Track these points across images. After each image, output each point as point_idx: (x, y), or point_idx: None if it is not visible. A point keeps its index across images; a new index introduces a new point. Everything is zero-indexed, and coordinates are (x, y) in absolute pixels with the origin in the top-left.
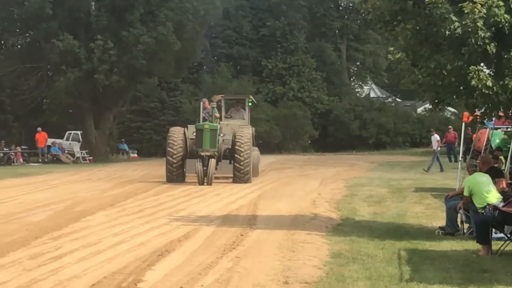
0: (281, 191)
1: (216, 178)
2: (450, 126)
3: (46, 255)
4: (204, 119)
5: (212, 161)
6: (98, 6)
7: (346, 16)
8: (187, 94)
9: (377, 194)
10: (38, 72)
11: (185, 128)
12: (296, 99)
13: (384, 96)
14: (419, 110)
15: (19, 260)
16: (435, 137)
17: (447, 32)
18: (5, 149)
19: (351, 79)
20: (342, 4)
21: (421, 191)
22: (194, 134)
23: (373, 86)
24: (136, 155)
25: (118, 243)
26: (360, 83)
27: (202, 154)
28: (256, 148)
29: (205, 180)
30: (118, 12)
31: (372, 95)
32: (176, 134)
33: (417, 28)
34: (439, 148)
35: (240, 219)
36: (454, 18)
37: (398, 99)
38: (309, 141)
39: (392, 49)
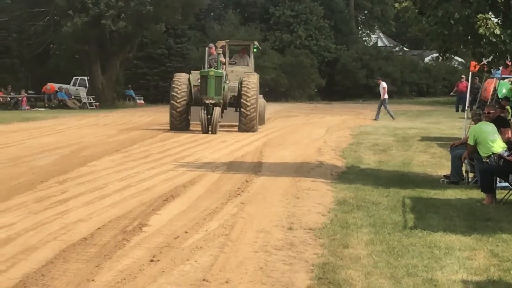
0: (286, 139)
1: (222, 126)
2: (463, 76)
3: (52, 198)
4: (210, 66)
5: (217, 109)
6: None
7: None
8: (194, 41)
9: (383, 143)
10: (45, 17)
11: (190, 74)
12: (303, 47)
13: (391, 45)
14: (427, 59)
15: (25, 203)
16: (382, 84)
17: None
18: (12, 93)
19: (359, 28)
20: None
21: (426, 140)
22: (199, 80)
23: (381, 35)
24: (142, 101)
25: (124, 187)
26: (368, 31)
27: (207, 101)
28: (261, 96)
29: (209, 129)
30: None
31: (379, 44)
32: (181, 80)
33: None
34: (386, 96)
35: (245, 166)
36: None
37: (405, 48)
38: (315, 90)
39: None
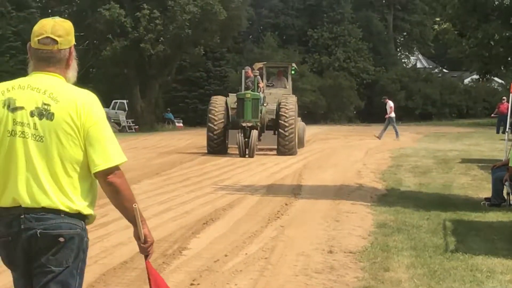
0: (326, 161)
1: (260, 149)
2: (504, 97)
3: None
4: (247, 88)
5: (254, 132)
6: None
7: None
8: (233, 63)
9: (423, 165)
10: (84, 41)
11: (227, 97)
12: (342, 69)
13: (430, 66)
14: (466, 81)
15: None
16: (389, 103)
17: (495, 2)
18: None
19: (398, 50)
20: None
21: (467, 162)
22: (236, 103)
23: (420, 56)
24: (181, 124)
25: (164, 211)
26: (407, 53)
27: (244, 124)
28: (300, 118)
29: (246, 152)
30: None
31: (418, 65)
32: (218, 102)
33: None
34: (393, 115)
35: (284, 189)
36: None
37: (445, 70)
38: (354, 112)
39: (438, 19)
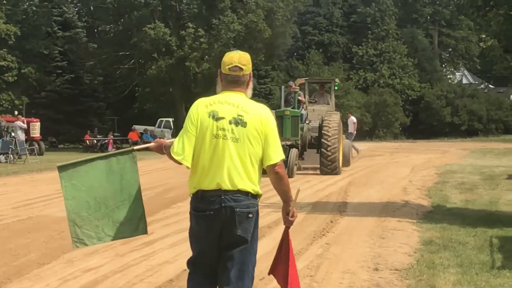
0: (371, 178)
1: (305, 169)
2: None
3: (138, 240)
4: (290, 104)
5: (294, 151)
6: None
7: (438, 2)
8: (278, 81)
9: (469, 181)
10: (130, 60)
11: None
12: (387, 86)
13: (476, 82)
14: None
15: (112, 246)
16: (352, 119)
17: None
18: (98, 136)
19: (443, 66)
20: None
21: None
22: None
23: (465, 72)
24: None
25: None
26: (452, 69)
27: (283, 143)
28: (345, 136)
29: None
30: (209, 0)
31: (464, 81)
32: None
33: (510, 13)
34: (354, 132)
35: (330, 206)
36: None
37: (491, 86)
38: (400, 128)
39: (484, 36)
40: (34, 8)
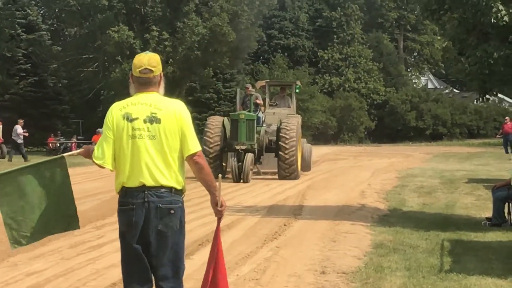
0: (331, 182)
1: (265, 173)
2: (506, 117)
3: (86, 244)
4: (247, 107)
5: (249, 156)
6: None
7: (403, 7)
8: (243, 84)
9: (428, 185)
10: (94, 63)
11: (225, 118)
12: (352, 90)
13: (441, 87)
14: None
15: (59, 249)
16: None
17: (493, 21)
18: (61, 139)
19: (408, 70)
20: None
21: (473, 182)
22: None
23: (431, 76)
24: None
25: None
26: (417, 74)
27: (237, 147)
28: (305, 140)
29: (241, 177)
30: (174, 3)
31: (429, 85)
32: (214, 123)
33: (464, 16)
34: (20, 140)
35: (285, 209)
36: (501, 6)
37: (455, 90)
38: (365, 132)
39: (439, 38)
40: None
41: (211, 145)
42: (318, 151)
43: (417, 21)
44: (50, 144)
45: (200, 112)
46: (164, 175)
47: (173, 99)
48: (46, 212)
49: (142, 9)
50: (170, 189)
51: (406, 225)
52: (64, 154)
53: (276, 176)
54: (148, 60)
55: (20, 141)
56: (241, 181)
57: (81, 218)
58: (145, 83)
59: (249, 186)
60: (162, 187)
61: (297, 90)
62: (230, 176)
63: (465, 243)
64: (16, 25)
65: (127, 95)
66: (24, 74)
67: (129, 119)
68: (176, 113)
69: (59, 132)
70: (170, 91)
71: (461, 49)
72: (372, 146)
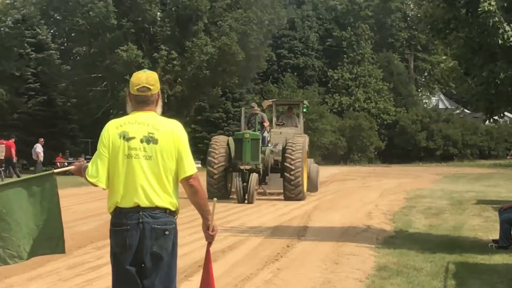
0: (338, 203)
1: (271, 194)
2: None
3: (85, 265)
4: (252, 126)
5: (254, 176)
6: (163, 16)
7: (413, 27)
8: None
9: (437, 206)
10: (102, 82)
11: (230, 137)
12: (362, 110)
13: (452, 107)
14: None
15: (57, 270)
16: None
17: (500, 41)
18: (70, 158)
19: (419, 90)
20: (410, 15)
21: (482, 204)
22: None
23: (442, 97)
24: (200, 165)
25: None
26: (428, 94)
27: (242, 167)
28: (312, 160)
29: (245, 198)
30: (183, 22)
31: (440, 106)
32: (219, 143)
33: (470, 36)
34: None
35: (290, 230)
36: (507, 27)
37: (466, 110)
38: (375, 152)
39: (444, 57)
40: (7, 30)
41: (215, 166)
42: (327, 171)
43: (427, 41)
44: (58, 163)
45: (209, 131)
46: (159, 196)
47: (170, 119)
48: (33, 231)
49: (151, 29)
50: (165, 210)
51: (411, 247)
52: (55, 171)
53: (282, 197)
54: (146, 78)
55: (37, 159)
56: (246, 201)
57: (82, 238)
58: (142, 101)
59: (254, 207)
60: (157, 208)
61: (304, 110)
62: (234, 196)
63: (470, 266)
64: (26, 44)
65: None
66: (33, 93)
67: (126, 138)
68: (173, 133)
69: (67, 151)
70: (179, 110)
71: (467, 69)
72: (382, 167)
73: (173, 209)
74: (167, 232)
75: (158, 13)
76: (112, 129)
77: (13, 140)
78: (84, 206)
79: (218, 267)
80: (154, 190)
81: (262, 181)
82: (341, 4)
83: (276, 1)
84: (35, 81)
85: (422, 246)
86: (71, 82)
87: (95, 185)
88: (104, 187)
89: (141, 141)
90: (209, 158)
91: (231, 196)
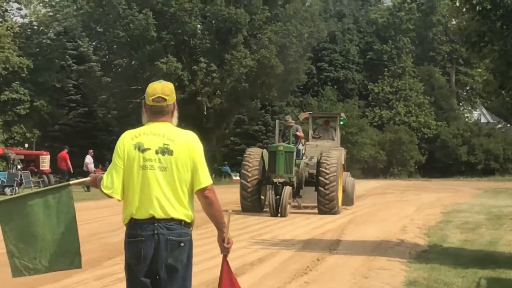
0: (374, 216)
1: (305, 207)
2: None
3: (113, 276)
4: (287, 139)
5: (287, 189)
6: (203, 29)
7: (455, 40)
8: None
9: (473, 221)
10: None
11: (264, 150)
12: (403, 124)
13: (494, 121)
14: None
15: (84, 281)
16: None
17: None
18: None
19: (460, 104)
20: (452, 28)
21: None
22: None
23: (484, 111)
24: (238, 177)
25: None
26: (469, 108)
27: (275, 180)
28: (349, 173)
29: (279, 211)
30: (222, 35)
31: (482, 120)
32: (253, 156)
33: (505, 49)
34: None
35: (322, 244)
36: None
37: (509, 125)
38: (415, 166)
39: (480, 70)
40: (49, 42)
41: (249, 179)
42: (366, 185)
43: (469, 54)
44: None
45: (248, 144)
46: (174, 208)
47: (187, 131)
48: (49, 244)
49: (191, 41)
50: (180, 221)
51: (444, 262)
52: (71, 182)
53: (317, 210)
54: (162, 89)
55: (87, 169)
56: (279, 215)
57: (113, 249)
58: (157, 112)
59: (288, 220)
60: (172, 219)
61: (341, 123)
62: (268, 209)
63: (503, 281)
64: (67, 56)
65: (177, 126)
66: (74, 104)
67: (141, 149)
68: (189, 144)
69: (107, 162)
70: (218, 123)
71: (502, 82)
72: (422, 181)
73: (188, 221)
74: (182, 244)
75: (198, 26)
76: (127, 140)
77: (65, 151)
78: (117, 218)
79: (246, 279)
80: (169, 202)
81: (296, 194)
82: (382, 18)
83: (316, 14)
84: (76, 92)
85: (455, 261)
86: (111, 94)
87: (110, 197)
88: (119, 198)
89: (156, 152)
90: (242, 171)
91: (264, 209)
